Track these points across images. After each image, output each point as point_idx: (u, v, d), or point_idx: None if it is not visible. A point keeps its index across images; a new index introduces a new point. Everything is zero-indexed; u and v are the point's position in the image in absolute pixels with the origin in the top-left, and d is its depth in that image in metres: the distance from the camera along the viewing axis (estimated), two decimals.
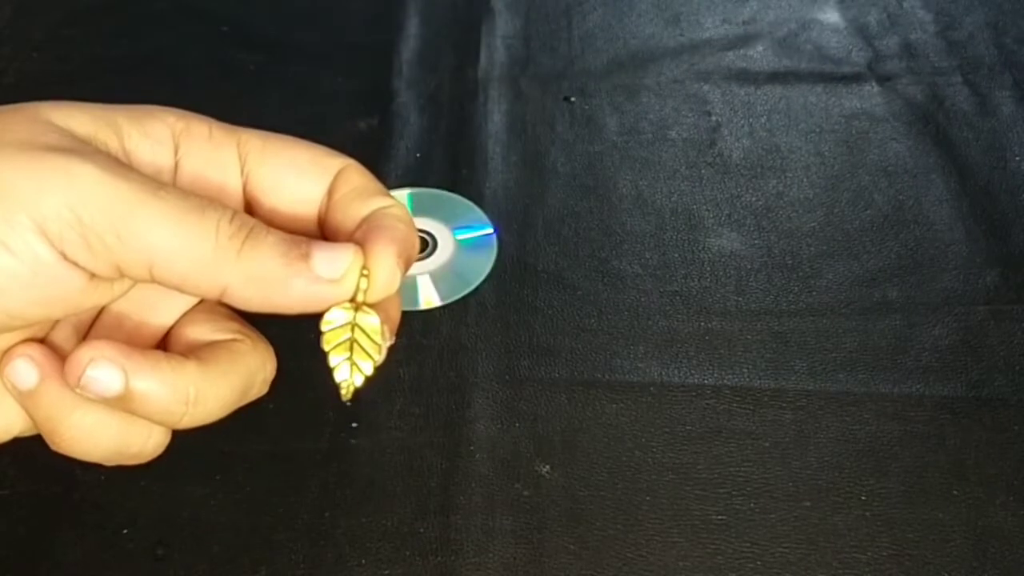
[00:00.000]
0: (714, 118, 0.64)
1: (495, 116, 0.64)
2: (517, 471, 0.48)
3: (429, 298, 0.55)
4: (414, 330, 0.54)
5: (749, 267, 0.56)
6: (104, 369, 0.26)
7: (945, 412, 0.50)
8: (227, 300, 0.28)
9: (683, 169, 0.61)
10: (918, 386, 0.51)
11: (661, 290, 0.55)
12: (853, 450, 0.49)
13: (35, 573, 0.45)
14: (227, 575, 0.45)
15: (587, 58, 0.68)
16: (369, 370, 0.30)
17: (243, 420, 0.50)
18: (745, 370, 0.52)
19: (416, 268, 0.56)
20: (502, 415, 0.50)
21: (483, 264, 0.56)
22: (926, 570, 0.45)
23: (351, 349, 0.30)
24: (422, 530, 0.46)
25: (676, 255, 0.57)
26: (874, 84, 0.66)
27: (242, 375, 0.30)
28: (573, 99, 0.65)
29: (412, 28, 0.69)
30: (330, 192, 0.31)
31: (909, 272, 0.56)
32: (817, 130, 0.63)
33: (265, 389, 0.31)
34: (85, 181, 0.25)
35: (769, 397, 0.51)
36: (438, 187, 0.58)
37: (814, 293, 0.55)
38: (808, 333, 0.53)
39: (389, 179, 0.59)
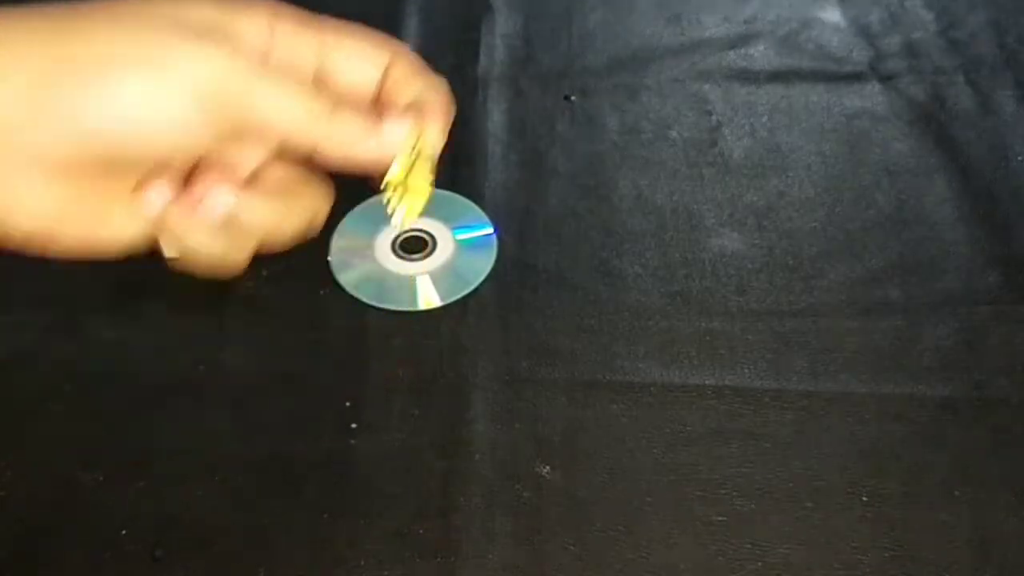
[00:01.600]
0: (715, 117, 0.64)
1: (495, 115, 0.64)
2: (517, 472, 0.48)
3: (429, 298, 0.55)
4: (414, 330, 0.53)
5: (750, 267, 0.56)
6: (220, 196, 0.36)
7: (947, 413, 0.50)
8: (316, 156, 0.36)
9: (684, 169, 0.61)
10: (920, 386, 0.51)
11: (662, 290, 0.55)
12: (855, 451, 0.49)
13: (34, 575, 0.45)
14: None
15: (587, 57, 0.67)
16: (418, 208, 0.41)
17: (243, 421, 0.50)
18: (746, 370, 0.52)
19: (416, 268, 0.56)
20: (502, 416, 0.50)
21: (483, 264, 0.56)
22: (928, 571, 0.45)
23: (403, 196, 0.41)
24: (422, 531, 0.46)
25: (677, 255, 0.57)
26: (876, 83, 0.66)
27: (311, 208, 0.39)
28: (573, 98, 0.65)
29: (411, 27, 0.69)
30: (386, 72, 0.40)
31: (911, 272, 0.56)
32: (818, 129, 0.63)
33: (321, 225, 0.40)
34: (221, 58, 0.33)
35: (770, 398, 0.51)
36: (438, 187, 0.58)
37: (815, 293, 0.55)
38: (809, 333, 0.53)
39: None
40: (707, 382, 0.51)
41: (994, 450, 0.49)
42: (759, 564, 0.45)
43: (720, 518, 0.46)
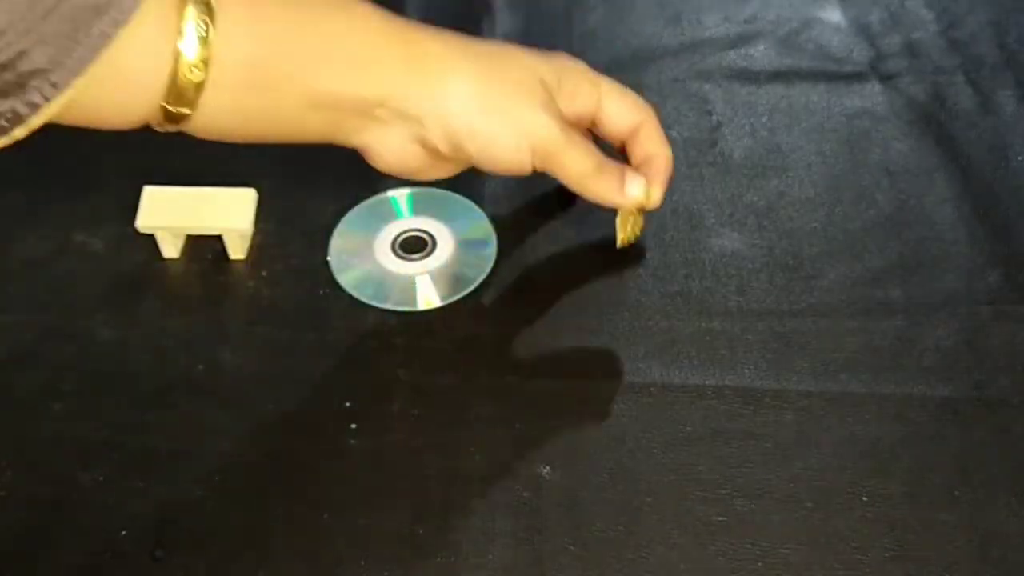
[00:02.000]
0: (715, 117, 0.64)
1: None
2: (517, 472, 0.48)
3: (429, 298, 0.55)
4: (413, 331, 0.53)
5: (750, 267, 0.56)
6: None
7: (947, 413, 0.50)
8: (584, 196, 0.52)
9: (684, 169, 0.61)
10: (920, 387, 0.51)
11: (662, 290, 0.55)
12: (855, 451, 0.49)
13: (33, 575, 0.45)
14: None
15: (587, 57, 0.67)
16: (636, 234, 0.55)
17: (242, 421, 0.50)
18: (747, 371, 0.52)
19: (416, 268, 0.56)
20: (502, 416, 0.50)
21: (483, 264, 0.56)
22: (928, 571, 0.45)
23: (629, 225, 0.55)
24: (421, 531, 0.46)
25: (677, 255, 0.57)
26: (876, 83, 0.66)
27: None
28: None
29: None
30: (638, 126, 0.53)
31: (911, 272, 0.56)
32: (819, 129, 0.63)
33: None
34: (552, 131, 0.49)
35: (771, 398, 0.51)
36: (438, 187, 0.58)
37: (816, 293, 0.55)
38: (810, 333, 0.53)
39: (389, 179, 0.59)
40: (707, 382, 0.51)
41: (994, 450, 0.49)
42: (759, 564, 0.45)
43: (720, 518, 0.46)
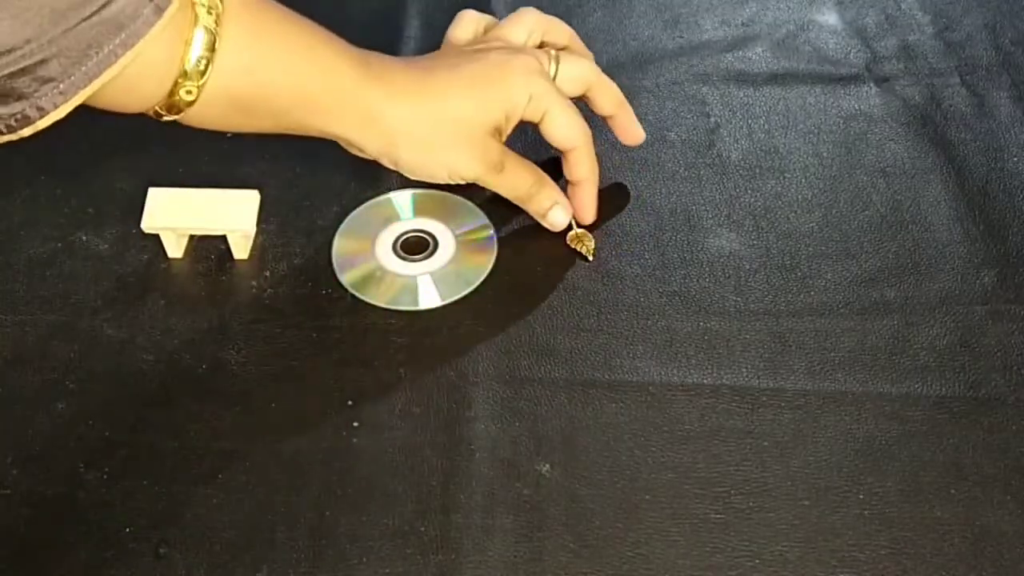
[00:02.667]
0: (713, 119, 0.64)
1: None
2: (517, 470, 0.48)
3: (429, 298, 0.55)
4: (414, 330, 0.54)
5: (748, 267, 0.57)
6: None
7: (943, 412, 0.50)
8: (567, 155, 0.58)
9: (682, 170, 0.61)
10: (916, 386, 0.51)
11: (660, 290, 0.56)
12: (851, 449, 0.49)
13: (36, 573, 0.45)
14: (228, 574, 0.45)
15: None
16: (591, 248, 0.57)
17: (244, 419, 0.50)
18: (744, 370, 0.52)
19: (417, 268, 0.56)
20: (502, 414, 0.50)
21: (483, 264, 0.57)
22: (924, 569, 0.45)
23: (580, 242, 0.57)
24: (423, 529, 0.46)
25: (675, 255, 0.57)
26: (872, 85, 0.66)
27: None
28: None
29: (412, 30, 0.69)
30: (570, 151, 0.57)
31: (907, 272, 0.56)
32: (815, 131, 0.64)
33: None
34: (479, 170, 0.55)
35: (768, 397, 0.51)
36: (439, 188, 0.58)
37: (812, 293, 0.55)
38: (806, 333, 0.54)
39: (390, 180, 0.59)
40: (705, 381, 0.52)
41: (990, 448, 0.49)
42: (757, 561, 0.45)
43: (718, 516, 0.47)
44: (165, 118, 0.47)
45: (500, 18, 0.59)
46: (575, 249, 0.57)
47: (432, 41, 0.62)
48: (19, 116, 0.40)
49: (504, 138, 0.56)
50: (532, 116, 0.55)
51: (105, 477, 0.48)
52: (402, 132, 0.52)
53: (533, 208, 0.57)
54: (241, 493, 0.48)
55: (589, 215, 0.58)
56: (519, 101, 0.54)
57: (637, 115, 0.60)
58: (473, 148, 0.54)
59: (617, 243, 0.58)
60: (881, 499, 0.47)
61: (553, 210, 0.57)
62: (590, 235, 0.58)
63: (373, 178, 0.59)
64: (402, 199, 0.59)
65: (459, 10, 0.60)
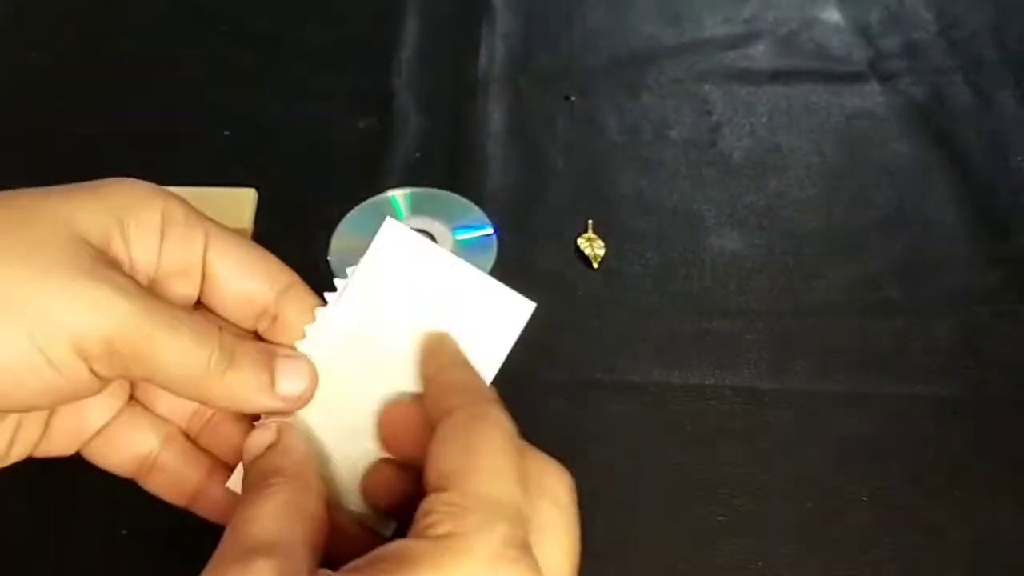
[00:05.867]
0: (715, 117, 0.64)
1: (495, 116, 0.64)
2: None
3: None
4: None
5: (750, 267, 0.56)
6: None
7: (946, 413, 0.50)
8: (206, 405, 0.35)
9: (684, 169, 0.61)
10: (919, 387, 0.51)
11: (661, 290, 0.55)
12: (854, 451, 0.49)
13: (36, 571, 0.45)
14: None
15: (588, 57, 0.67)
16: (599, 256, 0.52)
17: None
18: (746, 370, 0.52)
19: None
20: None
21: (483, 264, 0.56)
22: (927, 571, 0.45)
23: (590, 246, 0.52)
24: None
25: (677, 255, 0.57)
26: (875, 83, 0.66)
27: None
28: (573, 98, 0.65)
29: (412, 27, 0.69)
30: (278, 307, 0.35)
31: (910, 272, 0.56)
32: (818, 129, 0.63)
33: None
34: (119, 315, 0.30)
35: (770, 397, 0.51)
36: (438, 187, 0.58)
37: (815, 293, 0.55)
38: (809, 333, 0.53)
39: (389, 179, 0.59)
40: (707, 382, 0.51)
41: (994, 450, 0.49)
42: (759, 563, 0.45)
43: (720, 517, 0.47)
44: None
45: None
46: (583, 252, 0.56)
47: (432, 38, 0.61)
48: None
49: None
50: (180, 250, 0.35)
51: (104, 480, 0.48)
52: None
53: (236, 379, 0.33)
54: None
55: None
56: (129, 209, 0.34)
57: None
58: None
59: (618, 242, 0.57)
60: (884, 501, 0.47)
61: (284, 369, 0.35)
62: (601, 242, 0.56)
63: (372, 177, 0.59)
64: (401, 198, 0.59)
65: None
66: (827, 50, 0.68)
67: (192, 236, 0.34)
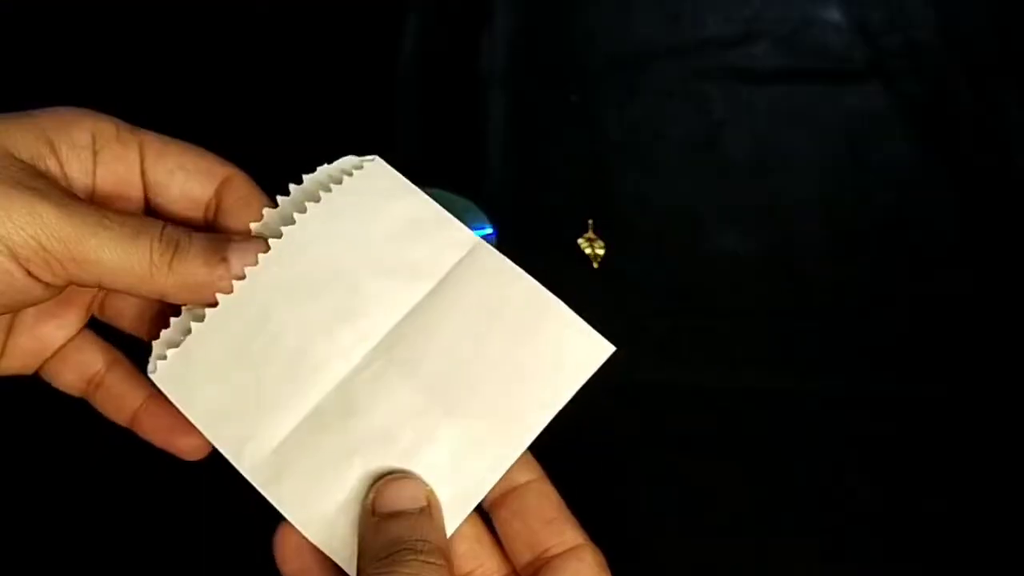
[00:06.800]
0: (715, 117, 0.64)
1: (495, 114, 0.64)
2: None
3: None
4: None
5: (750, 267, 0.56)
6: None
7: (948, 413, 0.50)
8: (167, 300, 0.34)
9: (684, 169, 0.61)
10: (920, 386, 0.51)
11: (661, 289, 0.55)
12: (855, 450, 0.49)
13: None
14: None
15: (588, 56, 0.67)
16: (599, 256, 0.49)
17: None
18: (745, 370, 0.52)
19: None
20: None
21: None
22: (925, 570, 0.45)
23: (591, 246, 0.48)
24: None
25: (677, 255, 0.57)
26: (876, 83, 0.66)
27: None
28: (574, 98, 0.65)
29: (412, 26, 0.69)
30: (219, 197, 0.36)
31: (910, 272, 0.56)
32: (819, 129, 0.63)
33: None
34: (47, 218, 0.31)
35: (770, 397, 0.51)
36: (438, 187, 0.58)
37: (815, 293, 0.55)
38: (809, 333, 0.53)
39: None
40: (706, 382, 0.51)
41: (993, 450, 0.49)
42: (758, 563, 0.45)
43: (720, 517, 0.47)
44: None
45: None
46: (583, 252, 0.56)
47: (433, 37, 0.61)
48: None
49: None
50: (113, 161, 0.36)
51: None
52: None
53: (185, 267, 0.34)
54: (243, 492, 0.47)
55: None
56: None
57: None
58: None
59: (618, 242, 0.57)
60: (884, 500, 0.47)
61: (236, 249, 0.35)
62: (601, 242, 0.57)
63: None
64: None
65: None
66: (827, 50, 0.68)
67: (126, 151, 0.35)
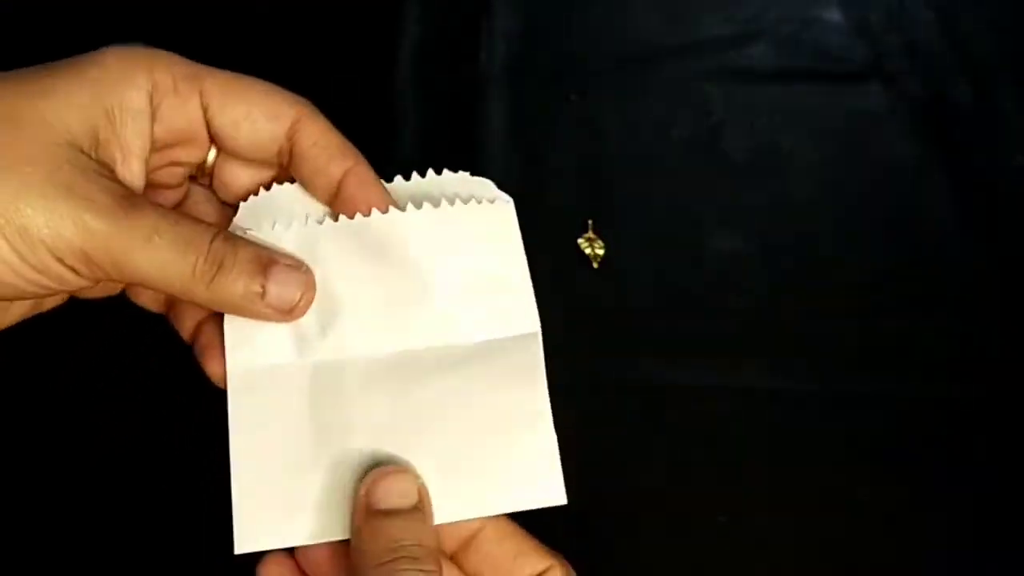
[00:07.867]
0: (715, 117, 0.64)
1: (495, 114, 0.64)
2: None
3: None
4: None
5: (750, 267, 0.56)
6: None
7: (947, 412, 0.50)
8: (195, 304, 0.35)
9: (684, 168, 0.61)
10: (920, 386, 0.51)
11: (662, 290, 0.55)
12: (855, 450, 0.49)
13: None
14: None
15: (588, 56, 0.67)
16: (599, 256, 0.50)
17: None
18: (746, 371, 0.52)
19: None
20: None
21: None
22: (927, 570, 0.45)
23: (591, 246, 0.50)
24: None
25: (677, 255, 0.57)
26: (876, 83, 0.66)
27: None
28: (574, 97, 0.65)
29: (412, 26, 0.69)
30: (293, 138, 0.35)
31: (911, 272, 0.56)
32: (818, 129, 0.63)
33: None
34: (95, 229, 0.31)
35: (770, 397, 0.51)
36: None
37: (815, 293, 0.55)
38: (809, 333, 0.53)
39: (388, 178, 0.59)
40: (707, 382, 0.51)
41: (995, 450, 0.49)
42: (758, 563, 0.45)
43: (720, 517, 0.47)
44: None
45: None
46: (583, 252, 0.56)
47: (433, 36, 0.61)
48: None
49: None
50: (178, 108, 0.35)
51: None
52: None
53: (226, 284, 0.33)
54: None
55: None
56: (120, 82, 0.34)
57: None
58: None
59: (619, 242, 0.57)
60: (885, 500, 0.47)
61: (276, 274, 0.34)
62: (601, 242, 0.57)
63: None
64: None
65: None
66: (828, 50, 0.68)
67: (186, 104, 0.34)
